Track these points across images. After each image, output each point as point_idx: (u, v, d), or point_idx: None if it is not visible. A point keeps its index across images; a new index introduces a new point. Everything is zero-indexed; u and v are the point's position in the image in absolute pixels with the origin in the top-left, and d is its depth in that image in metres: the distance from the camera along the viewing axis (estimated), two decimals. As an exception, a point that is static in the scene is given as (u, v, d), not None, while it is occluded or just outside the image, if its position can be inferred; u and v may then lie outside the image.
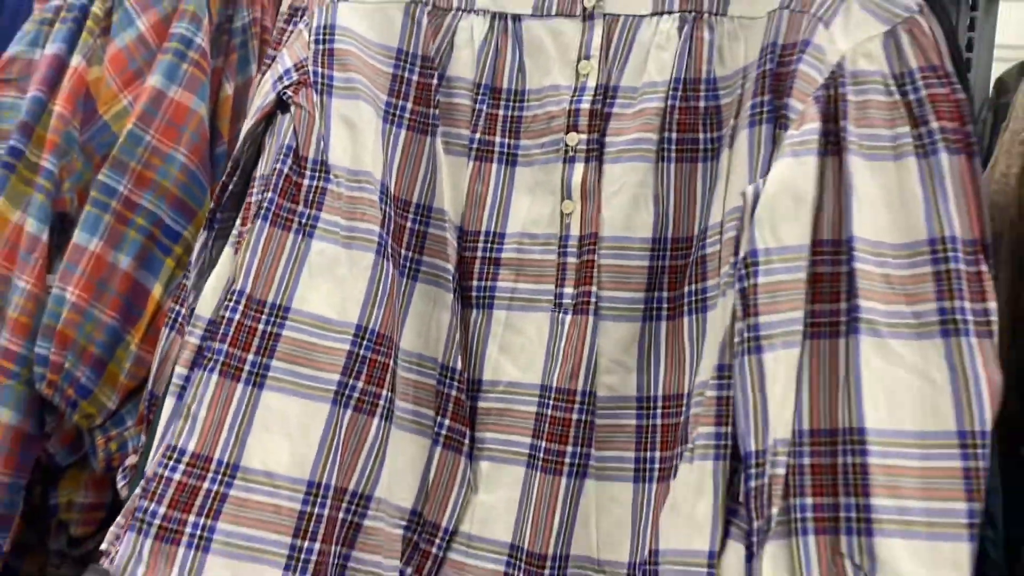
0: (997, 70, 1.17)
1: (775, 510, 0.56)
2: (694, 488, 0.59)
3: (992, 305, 0.57)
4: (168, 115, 0.88)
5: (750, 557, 0.56)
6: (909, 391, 0.56)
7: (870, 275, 0.58)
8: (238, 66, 0.96)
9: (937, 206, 0.58)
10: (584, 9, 0.71)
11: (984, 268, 0.58)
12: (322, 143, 0.71)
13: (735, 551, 0.57)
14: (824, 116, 0.60)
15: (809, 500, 0.56)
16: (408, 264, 0.72)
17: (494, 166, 0.73)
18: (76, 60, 0.92)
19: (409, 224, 0.72)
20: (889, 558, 0.54)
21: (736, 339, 0.58)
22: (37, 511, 0.91)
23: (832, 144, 0.60)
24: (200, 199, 0.90)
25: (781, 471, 0.56)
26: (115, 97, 0.91)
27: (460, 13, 0.74)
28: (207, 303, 0.70)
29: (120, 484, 0.81)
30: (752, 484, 0.56)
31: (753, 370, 0.57)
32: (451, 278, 0.71)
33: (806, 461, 0.57)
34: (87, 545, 0.95)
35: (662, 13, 0.69)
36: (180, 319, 0.80)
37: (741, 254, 0.59)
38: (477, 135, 0.73)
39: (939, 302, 0.57)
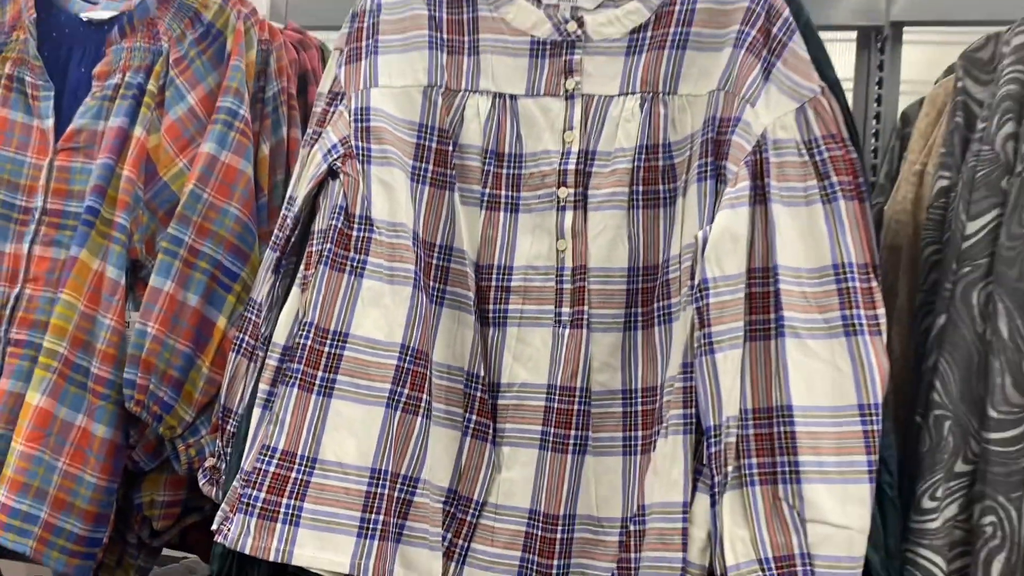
0: (903, 102, 1.39)
1: (730, 468, 0.76)
2: (669, 457, 0.79)
3: (881, 311, 0.78)
4: (221, 176, 1.06)
5: (713, 504, 0.77)
6: (822, 377, 0.77)
7: (791, 293, 0.78)
8: (272, 129, 1.14)
9: (838, 240, 0.79)
10: (566, 91, 0.91)
11: (874, 284, 0.79)
12: (365, 202, 0.90)
13: (702, 501, 0.78)
14: (752, 175, 0.81)
15: (754, 460, 0.77)
16: (436, 294, 0.91)
17: (501, 214, 0.92)
18: (138, 131, 1.09)
19: (435, 262, 0.91)
20: (813, 498, 0.75)
21: (695, 344, 0.79)
22: (120, 510, 1.08)
23: (759, 196, 0.81)
24: (251, 244, 1.07)
25: (732, 439, 0.77)
26: (172, 161, 1.09)
27: (467, 93, 0.93)
28: (282, 332, 0.88)
29: (201, 482, 0.99)
30: (712, 450, 0.77)
31: (708, 366, 0.77)
32: (471, 303, 0.90)
33: (750, 432, 0.77)
34: (165, 537, 1.13)
35: (627, 94, 0.89)
36: (243, 345, 0.98)
37: (695, 281, 0.79)
38: (487, 189, 0.92)
39: (842, 311, 0.78)
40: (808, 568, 0.73)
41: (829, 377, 0.77)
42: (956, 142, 0.97)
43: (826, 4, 1.37)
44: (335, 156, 0.90)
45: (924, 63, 1.43)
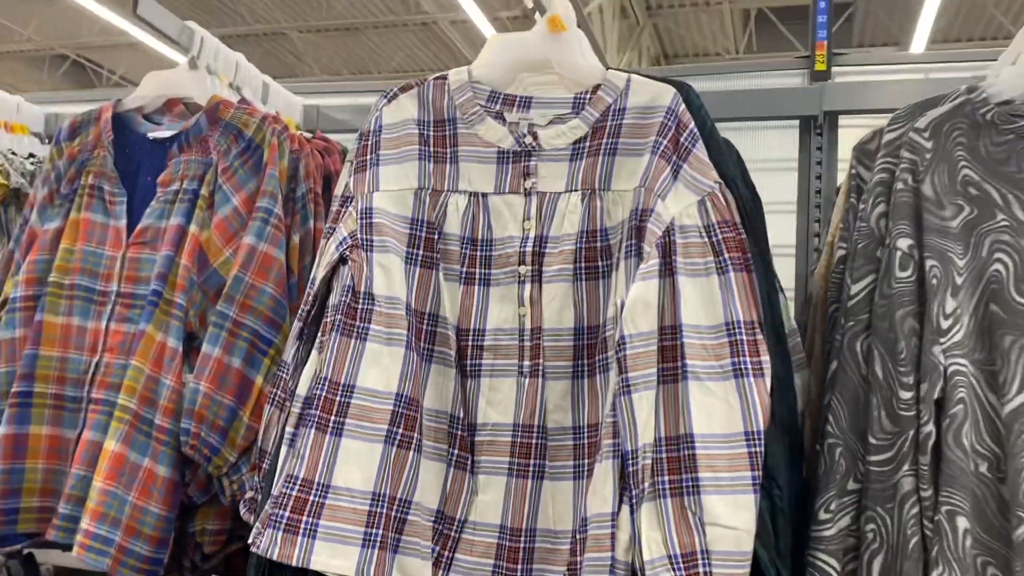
0: (840, 177, 1.60)
1: (646, 484, 0.97)
2: (602, 478, 1.00)
3: (764, 358, 0.99)
4: (259, 262, 1.31)
5: (632, 512, 0.97)
6: (717, 410, 0.98)
7: (693, 345, 1.00)
8: (301, 222, 1.40)
9: (729, 302, 1.01)
10: (525, 189, 1.15)
11: (759, 336, 1.00)
12: (368, 281, 1.14)
13: (625, 511, 0.98)
14: (662, 254, 1.03)
15: (666, 477, 0.97)
16: (425, 352, 1.14)
17: (476, 287, 1.15)
18: (193, 228, 1.36)
19: (425, 327, 1.15)
20: (710, 507, 0.95)
21: (617, 387, 1.00)
22: (177, 537, 1.31)
23: (668, 269, 1.03)
24: (284, 316, 1.32)
25: (648, 462, 0.98)
26: (220, 251, 1.35)
27: (449, 193, 1.17)
28: (303, 386, 1.12)
29: (242, 511, 1.22)
30: (630, 470, 0.98)
31: (626, 404, 0.99)
32: (453, 359, 1.13)
33: (663, 455, 0.98)
34: (213, 560, 1.36)
35: (572, 191, 1.13)
36: (276, 398, 1.21)
37: (617, 338, 1.01)
38: (464, 268, 1.16)
39: (732, 358, 0.99)
40: (706, 561, 0.93)
41: (722, 410, 0.98)
42: (850, 218, 1.19)
43: (772, 98, 1.61)
44: (345, 247, 1.15)
45: (861, 144, 1.65)
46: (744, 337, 1.00)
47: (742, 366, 0.99)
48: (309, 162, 1.43)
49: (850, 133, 1.62)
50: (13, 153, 1.83)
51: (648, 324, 1.01)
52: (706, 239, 1.04)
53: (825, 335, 1.22)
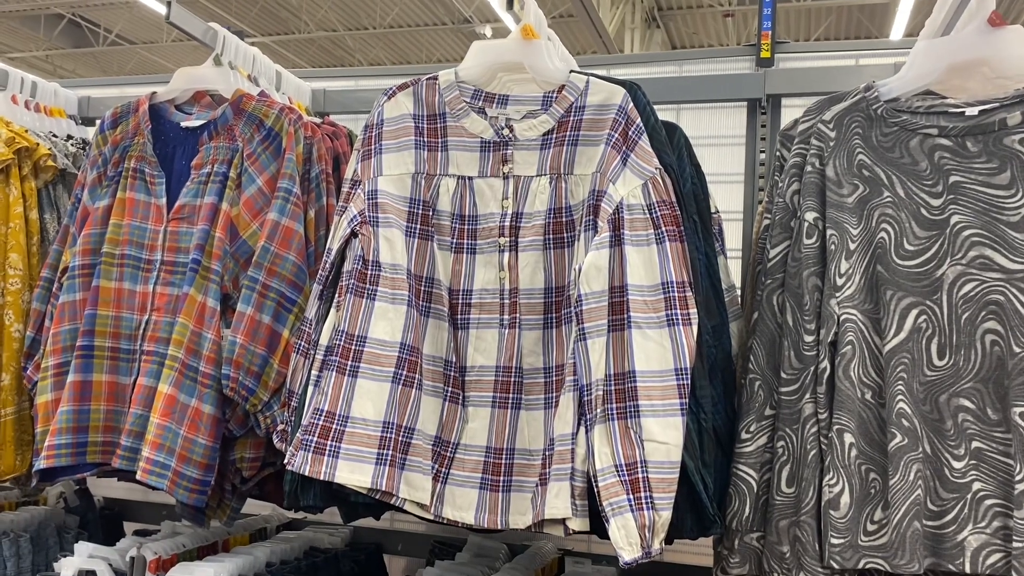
0: (783, 154, 1.84)
1: (598, 410, 1.23)
2: (565, 406, 1.26)
3: (692, 310, 1.25)
4: (282, 235, 1.56)
5: (587, 432, 1.24)
6: (654, 351, 1.24)
7: (636, 301, 1.25)
8: (315, 199, 1.63)
9: (665, 267, 1.26)
10: (504, 173, 1.39)
11: (688, 294, 1.25)
12: (375, 251, 1.38)
13: (582, 431, 1.24)
14: (612, 228, 1.28)
15: (614, 405, 1.23)
16: (424, 309, 1.39)
17: (465, 255, 1.40)
18: (224, 205, 1.60)
19: (423, 288, 1.40)
20: (647, 426, 1.21)
21: (574, 336, 1.26)
22: (220, 464, 1.57)
23: (617, 240, 1.28)
24: (304, 280, 1.57)
25: (600, 393, 1.24)
26: (248, 225, 1.59)
27: (441, 177, 1.41)
28: (325, 337, 1.37)
29: (276, 441, 1.48)
30: (585, 399, 1.24)
31: (581, 349, 1.25)
32: (446, 315, 1.38)
33: (612, 388, 1.24)
34: (250, 483, 1.63)
35: (541, 175, 1.37)
36: (300, 348, 1.47)
37: (575, 296, 1.27)
38: (455, 240, 1.40)
39: (667, 311, 1.25)
40: (644, 468, 1.20)
41: (658, 352, 1.23)
42: (773, 193, 1.43)
43: (722, 83, 1.84)
44: (355, 223, 1.39)
45: (802, 122, 1.89)
46: (676, 294, 1.25)
47: (674, 317, 1.24)
48: (321, 146, 1.67)
49: (794, 113, 1.85)
50: (55, 136, 2.06)
51: (600, 285, 1.26)
52: (648, 215, 1.29)
53: (752, 290, 1.48)
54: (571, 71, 1.41)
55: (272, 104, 1.66)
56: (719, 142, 1.92)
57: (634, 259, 1.27)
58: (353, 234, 1.40)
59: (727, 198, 1.86)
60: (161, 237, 1.64)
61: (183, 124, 1.71)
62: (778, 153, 1.46)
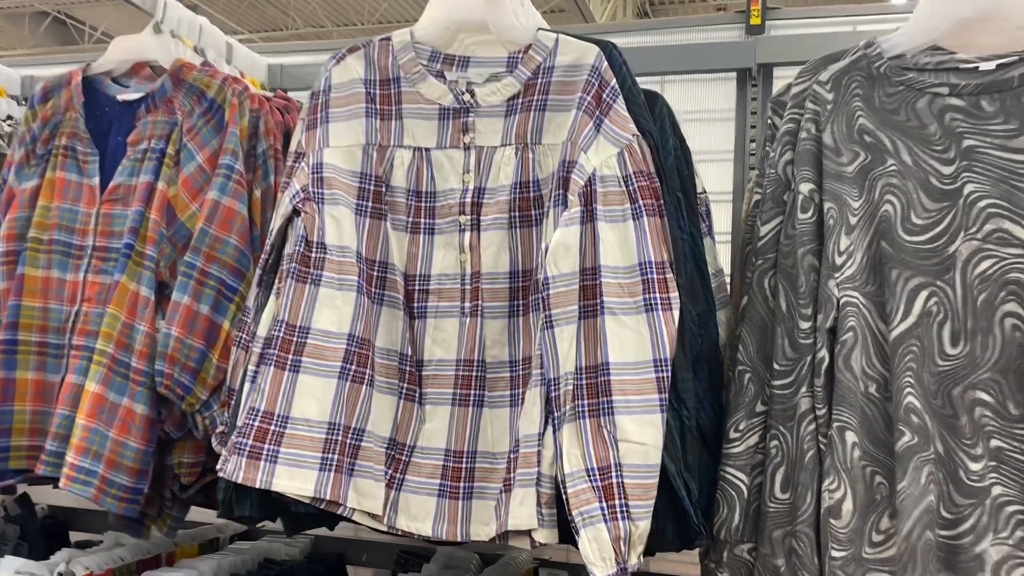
0: (775, 128, 1.69)
1: (567, 408, 1.09)
2: (531, 402, 1.12)
3: (673, 294, 1.10)
4: (223, 216, 1.41)
5: (555, 432, 1.09)
6: (630, 340, 1.09)
7: (610, 284, 1.11)
8: (262, 178, 1.49)
9: (642, 245, 1.11)
10: (464, 144, 1.24)
11: (668, 275, 1.11)
12: (320, 231, 1.23)
13: (549, 431, 1.10)
14: (584, 202, 1.13)
15: (585, 401, 1.09)
16: (376, 296, 1.24)
17: (422, 236, 1.26)
18: (161, 184, 1.45)
19: (375, 273, 1.25)
20: (622, 425, 1.07)
21: (541, 324, 1.11)
22: (156, 470, 1.43)
23: (589, 216, 1.13)
24: (247, 265, 1.42)
25: (570, 388, 1.09)
26: (187, 206, 1.44)
27: (395, 148, 1.27)
28: (263, 328, 1.22)
29: (214, 444, 1.33)
30: (552, 395, 1.09)
31: (548, 338, 1.10)
32: (401, 303, 1.23)
33: (583, 382, 1.10)
34: (191, 491, 1.48)
35: (506, 145, 1.22)
36: (242, 341, 1.32)
37: (541, 279, 1.12)
38: (410, 218, 1.26)
39: (644, 295, 1.10)
40: (619, 472, 1.05)
41: (634, 340, 1.09)
42: (764, 165, 1.29)
43: (710, 51, 1.70)
44: (297, 200, 1.25)
45: (796, 94, 1.74)
46: (655, 276, 1.10)
47: (652, 301, 1.10)
48: (269, 120, 1.52)
49: (780, 85, 1.71)
50: (-9, 116, 1.91)
51: (569, 266, 1.12)
52: (623, 188, 1.14)
53: (741, 273, 1.33)
54: (539, 29, 1.26)
55: (215, 74, 1.52)
56: (706, 116, 1.78)
57: (608, 236, 1.12)
58: (296, 212, 1.25)
59: (715, 177, 1.72)
60: (93, 220, 1.50)
61: (119, 97, 1.56)
62: (769, 121, 1.32)
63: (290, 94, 1.73)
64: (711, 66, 1.69)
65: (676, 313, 1.10)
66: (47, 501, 2.07)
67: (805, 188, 1.17)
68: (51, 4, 10.51)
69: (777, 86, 1.72)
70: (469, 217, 1.23)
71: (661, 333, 1.09)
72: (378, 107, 1.28)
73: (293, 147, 1.30)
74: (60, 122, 1.55)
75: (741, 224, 1.40)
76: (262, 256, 1.29)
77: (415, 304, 1.24)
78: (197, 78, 1.51)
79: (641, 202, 1.13)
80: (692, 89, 1.79)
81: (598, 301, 1.11)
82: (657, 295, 1.10)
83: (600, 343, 1.10)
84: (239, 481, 1.15)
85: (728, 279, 1.43)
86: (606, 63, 1.20)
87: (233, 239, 1.41)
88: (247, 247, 1.43)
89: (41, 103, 1.58)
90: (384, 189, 1.26)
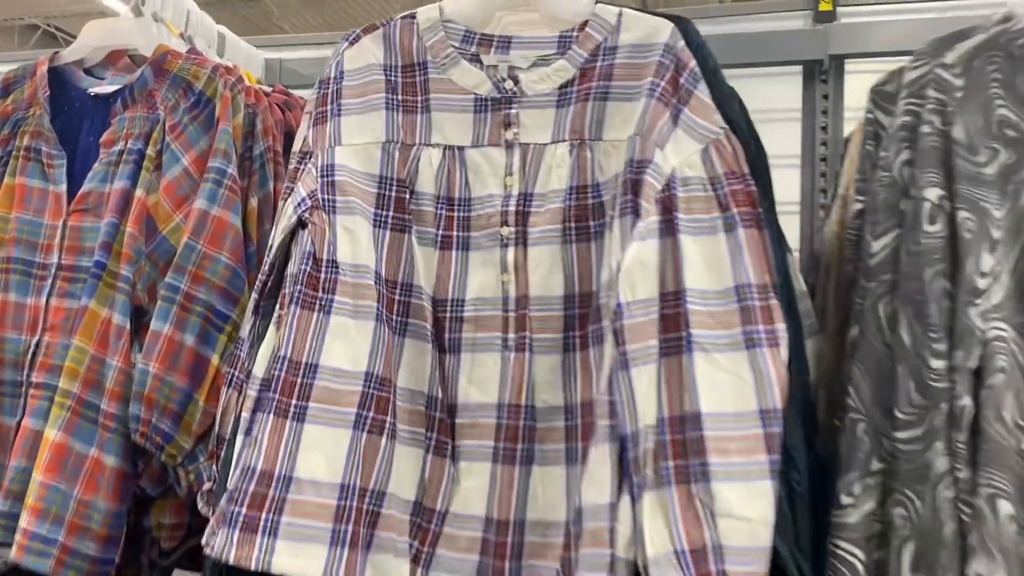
0: (849, 129, 1.48)
1: (648, 471, 0.86)
2: (598, 463, 0.89)
3: (780, 326, 0.88)
4: (212, 229, 1.18)
5: (634, 503, 0.86)
6: (727, 386, 0.86)
7: (698, 312, 0.88)
8: (259, 184, 1.26)
9: (739, 264, 0.89)
10: (506, 141, 1.02)
11: (772, 302, 0.88)
12: (331, 247, 1.01)
13: (625, 501, 0.87)
14: (662, 210, 0.91)
15: (670, 463, 0.86)
16: (399, 326, 1.01)
17: (453, 252, 1.03)
18: (139, 191, 1.22)
19: (397, 297, 1.02)
20: (721, 495, 0.84)
21: (614, 362, 0.88)
22: (131, 533, 1.19)
23: (669, 228, 0.91)
24: (241, 288, 1.19)
25: (651, 445, 0.86)
26: (170, 217, 1.21)
27: (421, 147, 1.04)
28: (260, 366, 0.99)
29: (200, 505, 1.10)
30: (630, 455, 0.86)
31: (624, 381, 0.87)
32: (429, 333, 1.01)
33: (667, 438, 0.87)
34: (173, 556, 1.24)
35: (558, 141, 1.00)
36: (235, 379, 1.09)
37: (612, 306, 0.89)
38: (440, 231, 1.03)
39: (743, 327, 0.87)
40: (719, 558, 0.82)
41: (733, 386, 0.86)
42: (868, 168, 1.07)
43: (772, 42, 1.48)
44: (303, 208, 1.02)
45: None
46: (756, 303, 0.88)
47: (754, 335, 0.87)
48: (267, 117, 1.30)
49: (855, 80, 1.50)
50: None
51: (647, 290, 0.89)
52: (711, 192, 0.92)
53: (840, 298, 1.11)
54: (596, 1, 1.04)
55: (204, 63, 1.29)
56: (767, 117, 1.54)
57: (694, 253, 0.90)
58: (301, 224, 1.03)
59: (779, 186, 1.48)
60: (59, 234, 1.26)
61: (92, 91, 1.33)
62: (870, 116, 1.09)
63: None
64: (774, 58, 1.47)
65: (785, 351, 0.87)
66: (4, 556, 1.82)
67: (932, 194, 0.95)
68: (41, 17, 10.32)
69: (849, 83, 1.51)
70: (513, 229, 1.00)
71: (768, 376, 0.86)
72: (400, 97, 1.06)
73: (298, 146, 1.08)
74: (22, 119, 1.33)
75: (829, 239, 1.18)
76: (259, 277, 1.06)
77: (446, 335, 1.01)
78: (183, 68, 1.28)
79: (735, 210, 0.90)
80: (749, 86, 1.56)
81: (684, 334, 0.88)
82: (760, 327, 0.87)
83: (689, 388, 0.87)
84: (230, 561, 0.92)
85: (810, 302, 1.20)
86: (682, 42, 0.98)
87: (225, 256, 1.18)
88: (241, 266, 1.20)
89: (2, 98, 1.36)
90: (408, 196, 1.03)
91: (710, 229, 0.90)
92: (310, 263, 1.00)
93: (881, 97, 1.08)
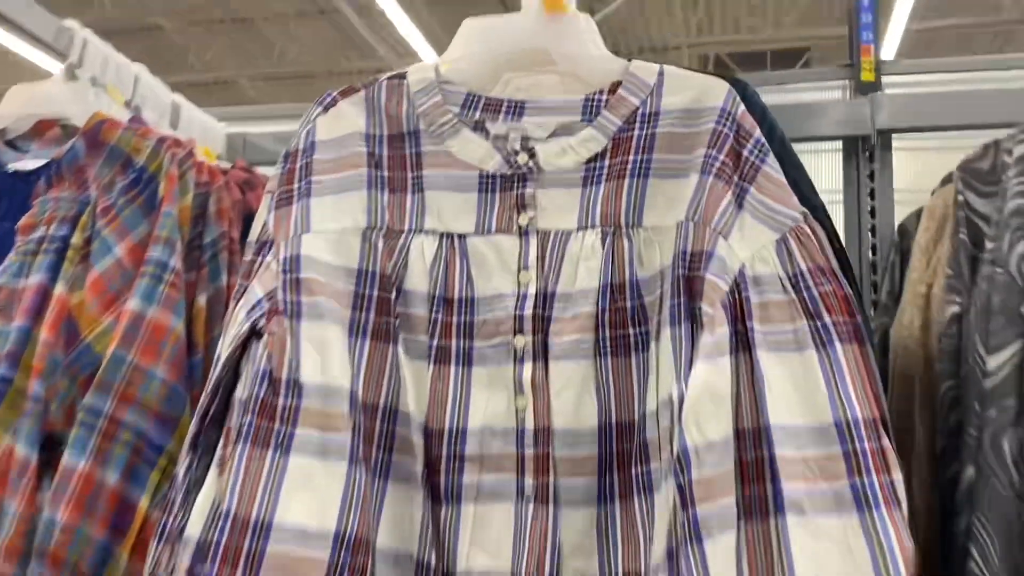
0: (899, 213, 1.29)
1: None
2: (656, 668, 0.65)
3: (897, 476, 0.65)
4: (147, 335, 0.95)
5: None
6: (834, 562, 0.63)
7: (789, 459, 0.65)
8: (209, 278, 1.04)
9: (838, 391, 0.67)
10: (520, 227, 0.80)
11: (886, 443, 0.66)
12: (293, 364, 0.78)
13: None
14: (732, 318, 0.69)
15: (760, 671, 0.62)
16: (379, 465, 0.78)
17: (452, 367, 0.80)
18: (59, 288, 0.99)
19: (378, 426, 0.79)
20: None
21: (677, 529, 0.65)
22: None
23: (742, 342, 0.69)
24: (181, 409, 0.95)
25: (732, 646, 0.62)
26: (96, 320, 0.98)
27: (412, 234, 0.83)
28: (195, 524, 0.75)
29: None
30: (704, 662, 0.62)
31: (696, 558, 0.63)
32: (420, 476, 0.77)
33: (753, 634, 0.63)
34: None
35: (586, 228, 0.79)
36: (167, 531, 0.84)
37: (674, 452, 0.66)
38: (435, 341, 0.80)
39: (850, 479, 0.65)
40: None
41: (842, 561, 0.63)
42: (963, 261, 0.87)
43: (810, 114, 1.30)
44: (259, 313, 0.79)
45: (916, 171, 1.35)
46: (865, 445, 0.65)
47: (866, 490, 0.64)
48: (224, 197, 1.08)
49: (908, 158, 1.32)
50: None
51: (721, 430, 0.66)
52: (793, 296, 0.70)
53: (933, 423, 0.89)
54: (630, 59, 0.84)
55: (147, 133, 1.08)
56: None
57: (777, 377, 0.68)
58: (255, 333, 0.79)
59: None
60: (-41, 341, 1.02)
61: (12, 167, 1.12)
62: (960, 199, 0.90)
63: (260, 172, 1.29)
64: (813, 133, 1.28)
65: (906, 510, 0.65)
66: None
67: (1069, 296, 0.74)
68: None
69: (896, 160, 1.33)
70: (530, 339, 0.78)
71: (888, 547, 0.63)
72: (386, 174, 0.85)
73: (255, 234, 0.86)
74: (-75, 200, 1.10)
75: (906, 346, 0.97)
76: (202, 400, 0.82)
77: (443, 478, 0.78)
78: (122, 139, 1.07)
79: (827, 319, 0.69)
80: (778, 164, 1.38)
81: (770, 489, 0.65)
82: (874, 478, 0.64)
83: (781, 564, 0.63)
84: None
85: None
86: (742, 106, 0.78)
87: (161, 371, 0.94)
88: (182, 382, 0.96)
89: (-98, 175, 1.13)
90: (394, 296, 0.81)
91: (796, 344, 0.68)
92: (265, 385, 0.77)
93: (973, 176, 0.89)
